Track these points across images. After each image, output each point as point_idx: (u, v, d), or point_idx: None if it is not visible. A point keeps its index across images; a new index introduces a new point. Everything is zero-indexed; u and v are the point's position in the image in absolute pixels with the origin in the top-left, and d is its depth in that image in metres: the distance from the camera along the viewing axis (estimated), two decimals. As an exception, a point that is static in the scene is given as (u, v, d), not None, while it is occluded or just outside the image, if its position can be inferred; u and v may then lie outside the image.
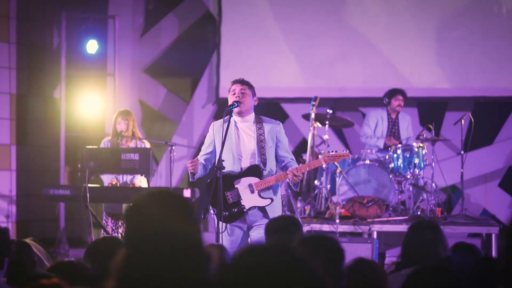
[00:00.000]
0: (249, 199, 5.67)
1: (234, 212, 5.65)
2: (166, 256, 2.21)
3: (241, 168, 5.70)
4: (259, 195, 5.66)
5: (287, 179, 5.67)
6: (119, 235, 7.68)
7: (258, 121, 5.76)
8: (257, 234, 5.64)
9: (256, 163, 5.68)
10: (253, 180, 5.66)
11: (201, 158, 5.83)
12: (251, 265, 1.99)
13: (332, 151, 5.95)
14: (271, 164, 5.71)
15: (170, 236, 2.23)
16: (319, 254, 2.14)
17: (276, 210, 5.70)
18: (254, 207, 5.67)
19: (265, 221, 5.44)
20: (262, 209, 5.68)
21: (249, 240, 5.72)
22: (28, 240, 6.01)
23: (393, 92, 9.36)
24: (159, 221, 2.25)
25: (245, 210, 5.66)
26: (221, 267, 2.08)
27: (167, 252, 2.21)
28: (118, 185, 7.77)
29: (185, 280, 2.21)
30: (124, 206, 7.68)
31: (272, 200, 5.66)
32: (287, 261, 1.98)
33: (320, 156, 7.54)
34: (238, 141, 5.72)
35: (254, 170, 5.67)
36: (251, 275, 1.97)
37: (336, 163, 8.77)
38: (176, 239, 2.23)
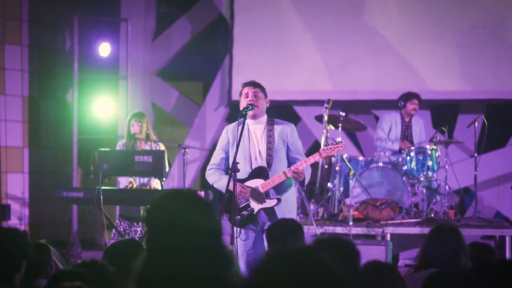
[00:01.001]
0: (257, 202, 5.65)
1: (245, 216, 5.63)
2: (188, 256, 2.18)
3: (251, 171, 5.69)
4: (266, 196, 5.64)
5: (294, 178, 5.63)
6: (136, 237, 7.66)
7: (270, 123, 5.73)
8: None
9: (262, 164, 5.66)
10: (259, 182, 5.63)
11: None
12: (277, 271, 1.93)
13: (328, 144, 5.89)
14: (279, 165, 5.64)
15: (192, 236, 2.20)
16: (335, 256, 2.11)
17: (286, 210, 5.63)
18: (263, 209, 5.65)
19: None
20: (272, 210, 5.64)
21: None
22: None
23: (409, 96, 9.30)
24: (181, 220, 2.22)
25: (254, 213, 5.64)
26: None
27: (189, 251, 2.18)
28: (136, 186, 7.75)
29: (206, 281, 2.19)
30: (142, 208, 7.65)
31: (279, 200, 5.62)
32: (314, 267, 1.93)
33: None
34: (249, 144, 5.71)
35: (259, 172, 5.64)
36: (277, 282, 1.93)
37: (349, 165, 8.77)
38: (198, 238, 2.20)
